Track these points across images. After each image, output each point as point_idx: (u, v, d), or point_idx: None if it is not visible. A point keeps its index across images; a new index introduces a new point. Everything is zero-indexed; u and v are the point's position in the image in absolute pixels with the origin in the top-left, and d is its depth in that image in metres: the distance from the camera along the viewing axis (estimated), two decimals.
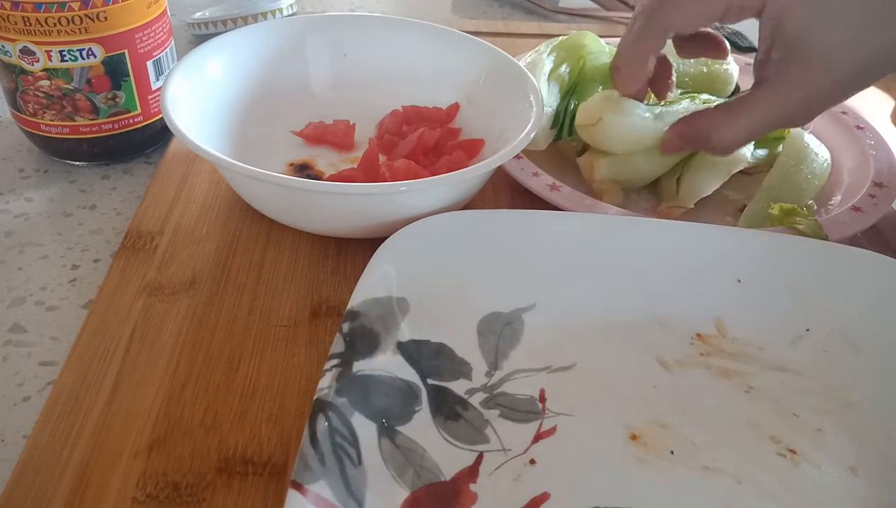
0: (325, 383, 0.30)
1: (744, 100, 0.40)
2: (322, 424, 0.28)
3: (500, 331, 0.36)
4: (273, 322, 0.38)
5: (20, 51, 0.43)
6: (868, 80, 0.38)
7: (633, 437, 0.32)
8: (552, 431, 0.32)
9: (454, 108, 0.51)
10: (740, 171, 0.47)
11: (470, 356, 0.35)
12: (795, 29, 0.36)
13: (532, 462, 0.31)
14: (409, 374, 0.33)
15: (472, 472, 0.30)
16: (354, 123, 0.51)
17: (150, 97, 0.48)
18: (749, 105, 0.40)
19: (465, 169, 0.39)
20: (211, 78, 0.47)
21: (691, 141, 0.42)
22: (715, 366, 0.36)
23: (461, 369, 0.34)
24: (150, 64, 0.47)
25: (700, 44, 0.45)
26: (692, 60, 0.51)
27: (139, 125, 0.49)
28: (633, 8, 0.76)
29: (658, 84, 0.44)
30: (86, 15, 0.43)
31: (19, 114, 0.47)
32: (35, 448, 0.31)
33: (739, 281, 0.38)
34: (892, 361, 0.35)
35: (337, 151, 0.50)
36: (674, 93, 0.46)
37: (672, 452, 0.32)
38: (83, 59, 0.44)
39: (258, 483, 0.30)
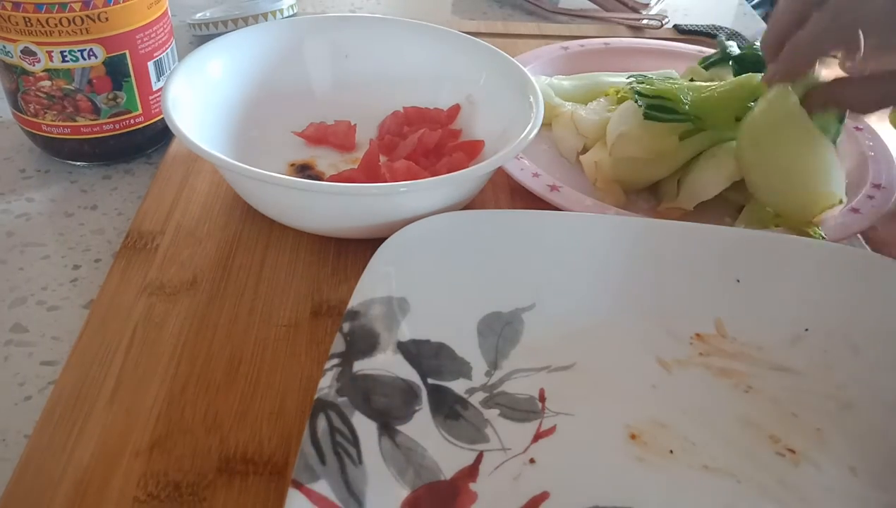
0: (326, 382, 0.30)
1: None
2: (322, 423, 0.29)
3: (500, 331, 0.36)
4: (274, 321, 0.38)
5: (21, 51, 0.44)
6: None
7: (633, 437, 0.33)
8: (552, 430, 0.32)
9: (455, 109, 0.51)
10: None
11: (470, 355, 0.35)
12: None
13: (532, 461, 0.31)
14: (409, 374, 0.33)
15: (471, 471, 0.31)
16: (355, 124, 0.51)
17: (151, 98, 0.49)
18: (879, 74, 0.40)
19: (465, 170, 0.39)
20: (212, 79, 0.47)
21: (830, 102, 0.43)
22: (714, 366, 0.36)
23: (461, 369, 0.35)
24: (151, 64, 0.48)
25: None
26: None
27: (140, 125, 0.49)
28: (633, 9, 0.76)
29: None
30: (87, 15, 0.43)
31: (20, 115, 0.47)
32: (36, 447, 0.31)
33: (739, 281, 0.38)
34: (891, 361, 0.35)
35: (338, 152, 0.50)
36: None
37: (672, 452, 0.32)
38: (84, 59, 0.44)
39: (259, 482, 0.31)
